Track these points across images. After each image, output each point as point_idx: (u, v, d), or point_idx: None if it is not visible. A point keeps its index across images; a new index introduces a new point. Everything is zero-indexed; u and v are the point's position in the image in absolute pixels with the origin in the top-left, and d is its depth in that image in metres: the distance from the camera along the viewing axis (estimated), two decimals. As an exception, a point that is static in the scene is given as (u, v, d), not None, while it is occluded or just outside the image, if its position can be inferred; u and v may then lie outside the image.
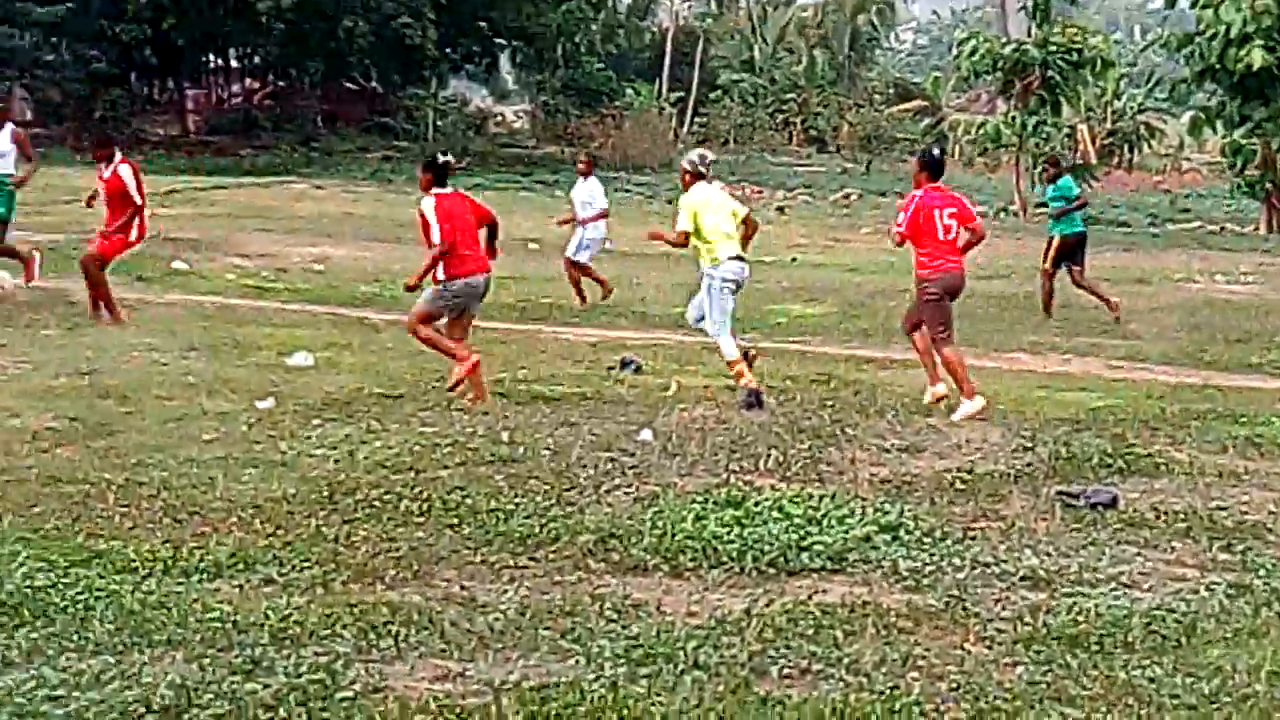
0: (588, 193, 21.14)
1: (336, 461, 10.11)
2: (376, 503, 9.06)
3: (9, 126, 18.27)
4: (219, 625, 6.74)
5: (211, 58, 64.85)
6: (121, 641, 6.50)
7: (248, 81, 66.73)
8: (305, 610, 7.00)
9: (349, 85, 63.88)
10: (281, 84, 63.79)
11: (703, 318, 13.65)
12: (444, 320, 12.84)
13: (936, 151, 13.96)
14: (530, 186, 46.43)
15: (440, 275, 12.65)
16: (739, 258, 13.49)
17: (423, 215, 12.63)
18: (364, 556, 8.01)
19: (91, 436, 10.76)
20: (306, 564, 7.80)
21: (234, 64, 65.77)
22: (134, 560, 7.69)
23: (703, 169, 13.72)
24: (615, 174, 46.60)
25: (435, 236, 12.48)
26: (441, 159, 13.28)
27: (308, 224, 29.83)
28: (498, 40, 63.01)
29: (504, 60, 68.66)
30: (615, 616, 7.14)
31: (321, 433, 11.00)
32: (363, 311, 19.15)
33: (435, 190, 12.75)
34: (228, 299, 19.68)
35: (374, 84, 63.92)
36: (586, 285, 20.73)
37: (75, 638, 6.51)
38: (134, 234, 16.51)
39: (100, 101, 55.30)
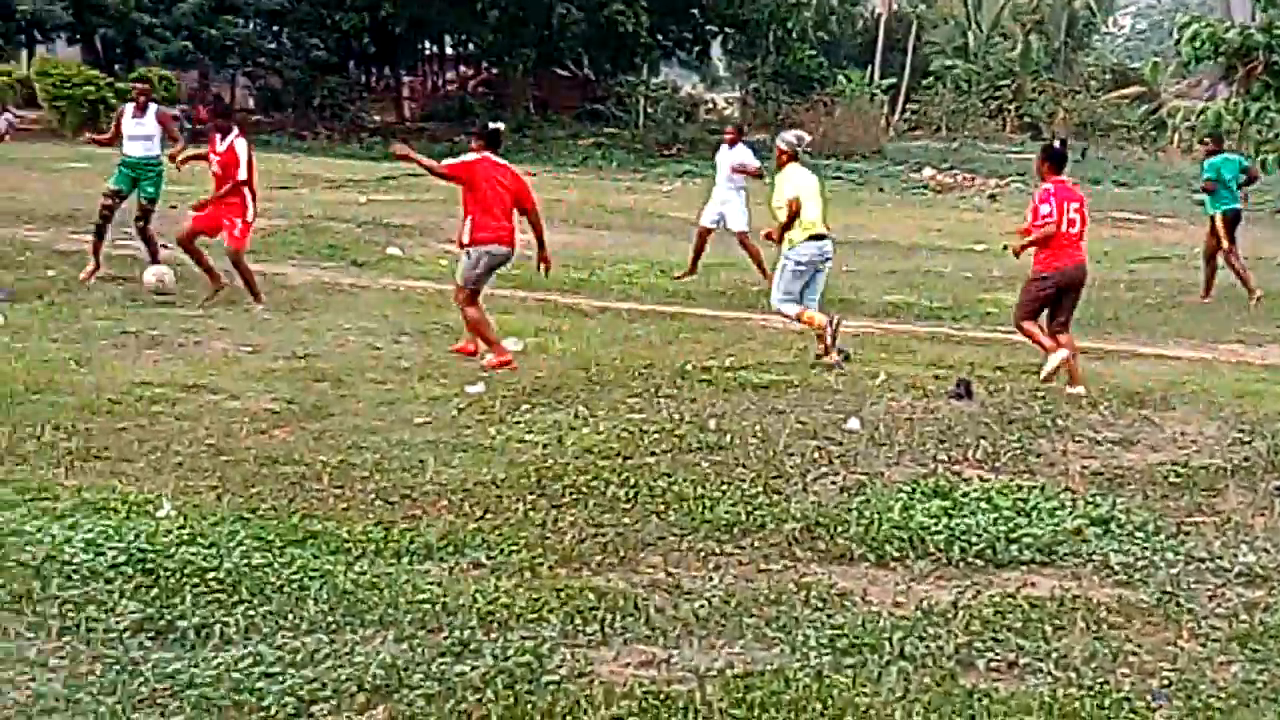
0: (735, 158, 21.13)
1: (545, 447, 10.20)
2: (584, 488, 9.12)
3: (153, 107, 18.35)
4: (429, 607, 6.84)
5: (427, 45, 65.75)
6: (335, 620, 6.63)
7: (462, 69, 67.53)
8: (513, 594, 7.08)
9: (561, 72, 64.27)
10: (495, 71, 64.34)
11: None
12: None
13: (1058, 143, 13.92)
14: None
15: (465, 239, 13.50)
16: (820, 236, 14.45)
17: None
18: (571, 542, 8.08)
19: (307, 419, 10.98)
20: (515, 548, 7.88)
21: (449, 51, 66.61)
22: (347, 541, 7.84)
23: (799, 149, 14.69)
24: (825, 160, 46.27)
25: (455, 169, 13.70)
26: (493, 125, 14.32)
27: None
28: (709, 27, 62.98)
29: (715, 47, 68.57)
30: (820, 605, 7.12)
31: (530, 418, 11.10)
32: (572, 298, 19.28)
33: (484, 153, 13.66)
34: (440, 284, 19.90)
35: (586, 71, 64.29)
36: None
37: (290, 616, 6.65)
38: (251, 214, 16.63)
39: (319, 89, 56.39)
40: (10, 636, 6.26)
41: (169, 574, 7.02)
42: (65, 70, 51.84)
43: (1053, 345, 13.15)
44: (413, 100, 64.97)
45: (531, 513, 8.59)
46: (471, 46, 63.75)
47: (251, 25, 54.52)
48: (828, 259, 14.58)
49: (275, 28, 55.74)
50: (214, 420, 10.72)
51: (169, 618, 6.54)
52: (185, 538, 7.55)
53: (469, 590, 7.11)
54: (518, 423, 10.93)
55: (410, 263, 21.99)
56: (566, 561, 7.75)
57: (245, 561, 7.27)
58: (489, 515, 8.52)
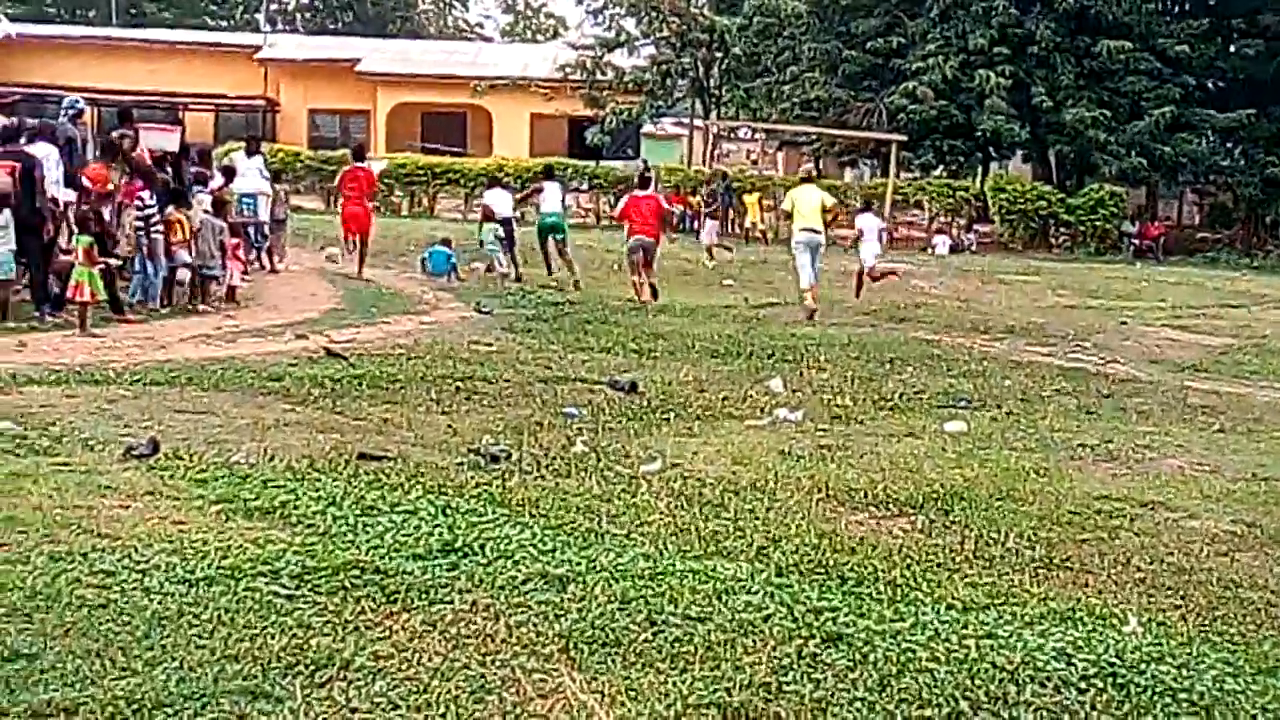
0: None
1: None
2: None
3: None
4: None
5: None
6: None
7: None
8: None
9: None
10: None
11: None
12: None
13: None
14: None
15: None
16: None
17: None
18: None
19: (1270, 544, 10.64)
20: None
21: None
22: (1319, 675, 7.54)
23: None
24: None
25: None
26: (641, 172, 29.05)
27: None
28: None
29: None
30: None
31: None
32: None
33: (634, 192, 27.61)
34: None
35: None
36: None
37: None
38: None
39: (1273, 206, 55.11)
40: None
41: (1139, 690, 6.95)
42: (1018, 186, 53.45)
43: None
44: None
45: None
46: None
47: (1205, 142, 54.02)
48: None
49: (1229, 144, 54.92)
50: (1173, 538, 10.60)
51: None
52: (1154, 655, 7.47)
53: None
54: None
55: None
56: None
57: (1218, 686, 7.09)
58: None
